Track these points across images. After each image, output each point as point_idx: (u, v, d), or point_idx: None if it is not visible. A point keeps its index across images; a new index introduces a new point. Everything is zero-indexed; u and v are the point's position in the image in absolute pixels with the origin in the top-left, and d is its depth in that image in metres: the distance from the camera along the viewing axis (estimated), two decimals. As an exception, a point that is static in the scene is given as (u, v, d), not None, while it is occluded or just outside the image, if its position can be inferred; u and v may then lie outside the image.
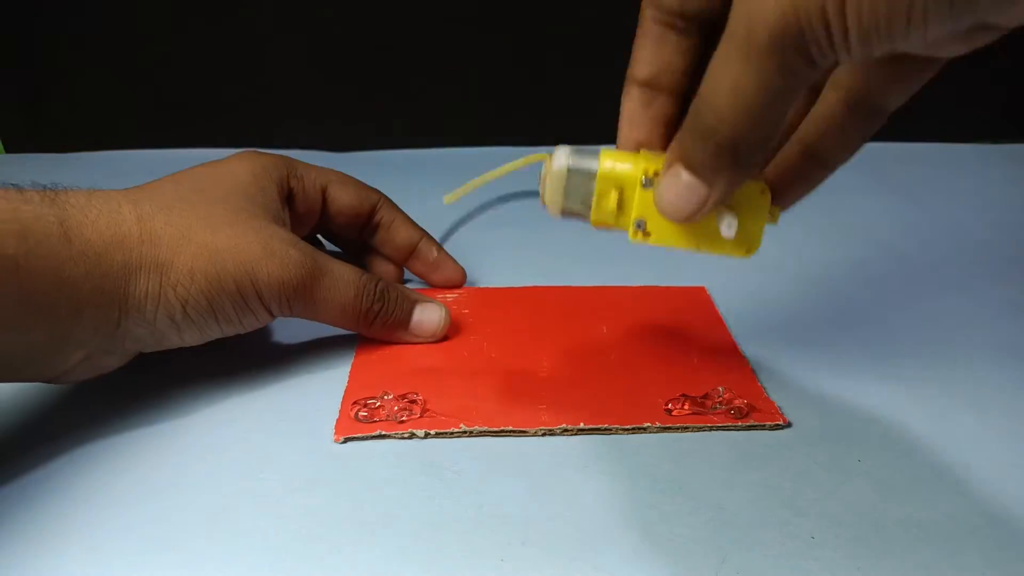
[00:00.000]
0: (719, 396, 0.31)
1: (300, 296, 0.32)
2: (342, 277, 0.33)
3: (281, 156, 0.37)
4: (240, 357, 0.34)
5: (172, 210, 0.30)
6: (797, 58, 0.20)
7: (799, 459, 0.29)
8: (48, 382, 0.30)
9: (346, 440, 0.30)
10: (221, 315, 0.30)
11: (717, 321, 0.38)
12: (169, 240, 0.29)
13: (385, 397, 0.31)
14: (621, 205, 0.26)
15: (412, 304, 0.35)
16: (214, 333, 0.31)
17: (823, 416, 0.31)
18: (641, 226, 0.26)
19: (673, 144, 0.24)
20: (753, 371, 0.34)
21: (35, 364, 0.28)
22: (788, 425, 0.31)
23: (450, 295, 0.40)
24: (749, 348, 0.36)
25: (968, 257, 0.45)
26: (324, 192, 0.38)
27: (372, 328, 0.35)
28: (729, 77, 0.21)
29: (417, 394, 0.32)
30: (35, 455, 0.29)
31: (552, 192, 0.27)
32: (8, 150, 0.64)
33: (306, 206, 0.37)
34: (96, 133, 0.64)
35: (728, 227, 0.25)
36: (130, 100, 0.64)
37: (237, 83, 0.63)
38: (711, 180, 0.24)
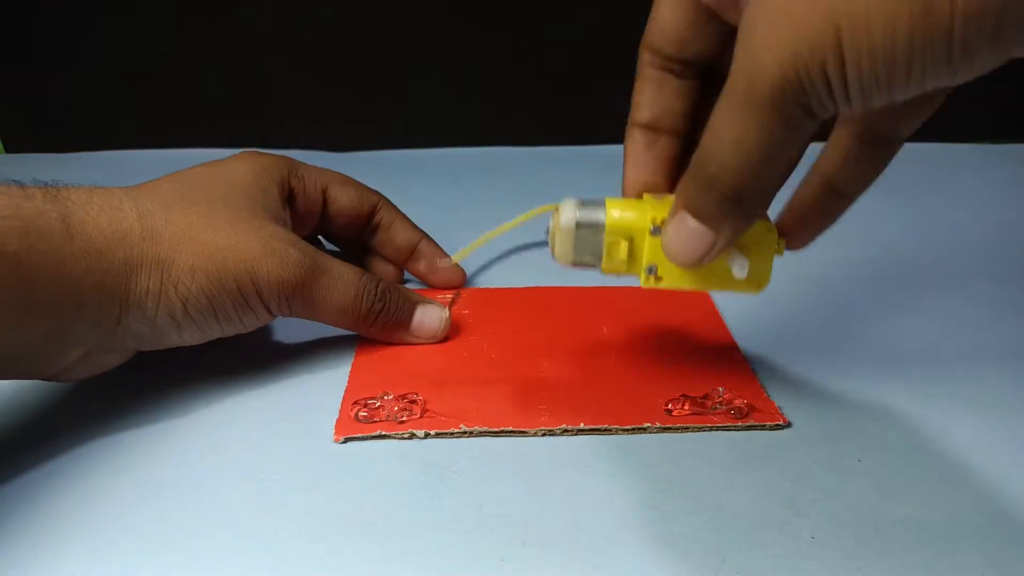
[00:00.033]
0: (719, 396, 0.31)
1: (300, 295, 0.32)
2: (342, 277, 0.33)
3: (282, 156, 0.37)
4: (240, 357, 0.34)
5: (173, 208, 0.30)
6: (798, 111, 0.20)
7: (799, 459, 0.29)
8: (47, 380, 0.30)
9: (346, 440, 0.30)
10: (221, 313, 0.30)
11: (717, 321, 0.38)
12: (170, 238, 0.29)
13: (385, 397, 0.31)
14: (631, 253, 0.27)
15: (413, 305, 0.35)
16: (214, 332, 0.31)
17: (823, 416, 0.31)
18: (652, 271, 0.27)
19: (678, 192, 0.25)
20: (753, 371, 0.34)
21: (34, 361, 0.28)
22: (788, 425, 0.31)
23: (450, 296, 0.40)
24: (749, 348, 0.36)
25: (968, 257, 0.45)
26: (324, 193, 0.38)
27: (372, 328, 0.35)
28: (731, 129, 0.21)
29: (417, 394, 0.32)
30: (35, 454, 0.29)
31: (562, 247, 0.27)
32: (8, 150, 0.64)
33: (307, 206, 0.37)
34: (96, 133, 0.63)
35: (740, 268, 0.26)
36: (130, 100, 0.64)
37: (237, 83, 0.63)
38: (717, 226, 0.24)
